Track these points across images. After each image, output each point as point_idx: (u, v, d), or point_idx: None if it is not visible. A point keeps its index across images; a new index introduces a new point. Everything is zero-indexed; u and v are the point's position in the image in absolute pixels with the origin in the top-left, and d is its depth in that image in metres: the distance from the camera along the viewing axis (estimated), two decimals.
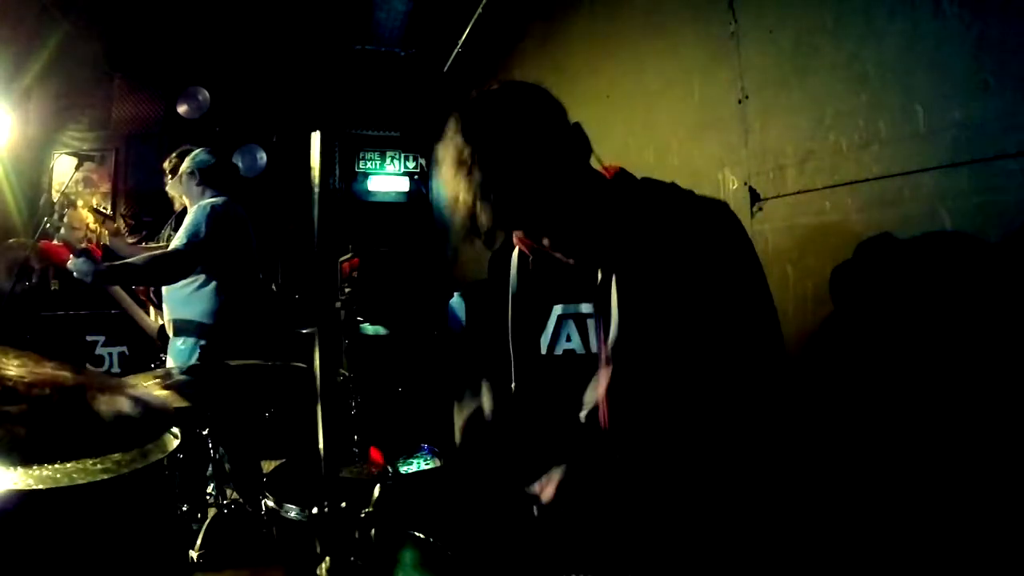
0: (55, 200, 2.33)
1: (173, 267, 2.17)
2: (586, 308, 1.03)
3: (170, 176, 3.01)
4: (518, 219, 0.93)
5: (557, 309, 1.07)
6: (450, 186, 0.90)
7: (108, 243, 2.78)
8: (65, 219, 2.35)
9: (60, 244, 2.43)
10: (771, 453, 0.96)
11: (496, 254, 1.21)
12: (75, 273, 1.96)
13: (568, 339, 1.05)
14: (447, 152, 0.90)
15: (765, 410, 0.95)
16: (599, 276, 1.00)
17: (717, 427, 0.93)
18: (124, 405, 0.84)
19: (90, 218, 2.88)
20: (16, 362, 0.78)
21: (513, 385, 1.09)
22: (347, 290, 3.85)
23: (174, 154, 3.04)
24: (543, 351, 1.08)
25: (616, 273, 0.97)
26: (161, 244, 3.00)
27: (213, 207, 2.24)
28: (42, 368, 0.79)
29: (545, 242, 0.96)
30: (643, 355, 0.95)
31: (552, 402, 1.06)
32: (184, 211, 2.88)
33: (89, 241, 2.49)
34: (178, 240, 2.19)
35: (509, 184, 0.86)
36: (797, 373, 1.39)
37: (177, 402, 1.52)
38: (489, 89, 0.95)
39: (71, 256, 1.99)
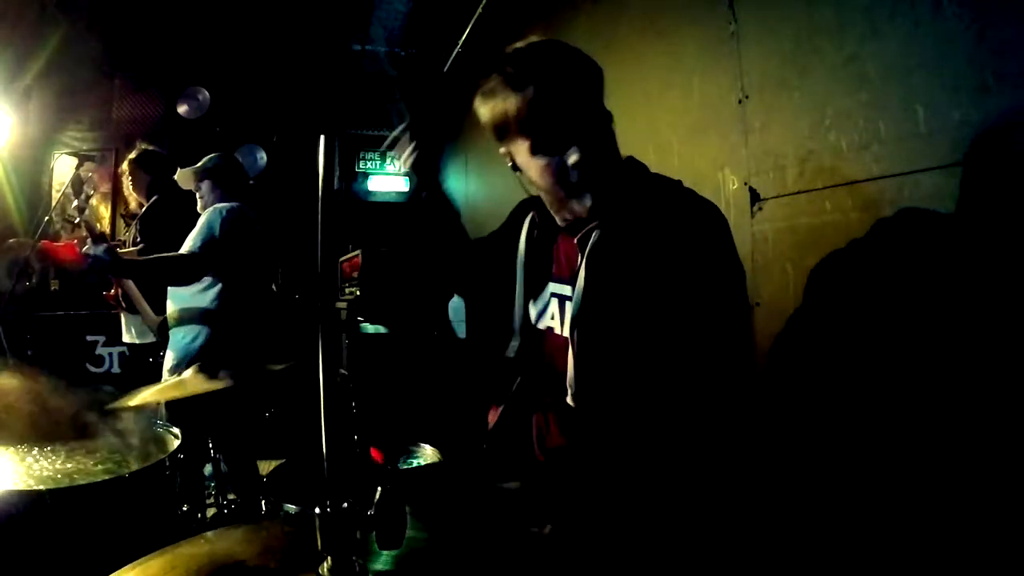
0: (83, 178, 2.30)
1: (187, 269, 2.19)
2: (568, 291, 1.05)
3: (130, 179, 3.02)
4: (566, 127, 0.94)
5: (551, 286, 1.09)
6: (510, 91, 0.95)
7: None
8: (91, 200, 2.34)
9: (62, 244, 2.43)
10: (726, 442, 0.98)
11: (520, 206, 1.21)
12: (91, 259, 1.96)
13: (552, 316, 1.08)
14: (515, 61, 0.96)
15: (719, 399, 0.96)
16: (580, 257, 1.02)
17: (670, 409, 0.94)
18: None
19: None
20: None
21: (514, 347, 1.12)
22: (348, 290, 3.85)
23: (132, 155, 3.05)
24: (533, 319, 1.11)
25: (589, 251, 0.99)
26: (126, 243, 3.01)
27: (229, 210, 2.26)
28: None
29: (577, 208, 0.97)
30: (600, 332, 0.97)
31: (538, 373, 1.10)
32: (148, 212, 2.89)
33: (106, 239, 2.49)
34: (192, 243, 2.20)
35: (568, 95, 0.94)
36: (796, 371, 1.39)
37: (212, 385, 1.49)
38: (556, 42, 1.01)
39: (90, 242, 1.99)
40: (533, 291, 1.12)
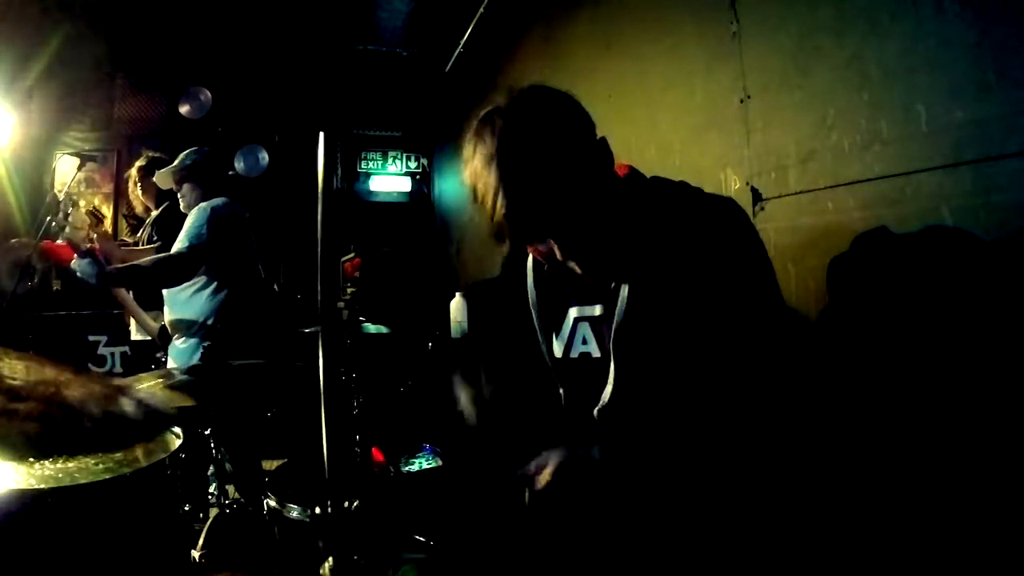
0: (60, 199, 2.29)
1: (177, 270, 2.17)
2: (599, 310, 1.03)
3: (139, 186, 3.02)
4: (545, 230, 0.90)
5: (573, 312, 1.06)
6: (481, 184, 0.89)
7: (97, 246, 2.78)
8: (70, 218, 2.32)
9: (63, 244, 2.44)
10: (776, 451, 0.96)
11: (511, 257, 1.21)
12: (79, 274, 1.96)
13: (584, 342, 1.04)
14: (480, 151, 0.89)
15: (771, 409, 0.95)
16: (612, 282, 1.00)
17: (720, 424, 0.93)
18: (127, 406, 0.85)
19: (89, 220, 2.88)
20: (20, 363, 0.78)
21: (561, 390, 1.09)
22: (350, 290, 3.85)
23: (140, 163, 3.07)
24: (559, 354, 1.07)
25: (628, 280, 0.97)
26: (139, 243, 3.01)
27: (214, 208, 2.24)
28: (45, 369, 0.80)
29: (559, 256, 0.93)
30: (646, 353, 0.95)
31: (569, 405, 1.06)
32: (163, 215, 2.90)
33: (90, 241, 2.49)
34: (180, 243, 2.19)
35: (542, 195, 0.86)
36: (797, 373, 1.39)
37: (181, 401, 1.52)
38: (524, 94, 0.92)
39: (75, 257, 1.99)
40: (552, 326, 1.08)
